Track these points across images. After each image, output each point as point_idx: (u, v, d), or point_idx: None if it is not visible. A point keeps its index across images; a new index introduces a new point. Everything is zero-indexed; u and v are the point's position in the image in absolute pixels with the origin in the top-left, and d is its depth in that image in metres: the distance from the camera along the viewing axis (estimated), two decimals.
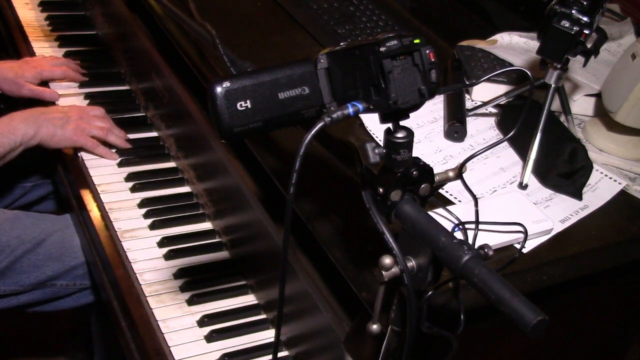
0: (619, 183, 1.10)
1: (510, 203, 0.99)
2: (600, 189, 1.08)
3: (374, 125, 1.13)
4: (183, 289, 1.20)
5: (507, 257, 0.91)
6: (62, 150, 1.46)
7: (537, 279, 0.92)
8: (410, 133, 0.66)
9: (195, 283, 1.21)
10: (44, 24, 1.84)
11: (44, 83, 1.61)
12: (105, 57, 1.75)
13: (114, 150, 1.47)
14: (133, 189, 1.39)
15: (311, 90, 0.67)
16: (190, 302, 1.18)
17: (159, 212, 1.34)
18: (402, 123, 0.66)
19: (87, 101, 1.60)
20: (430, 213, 0.66)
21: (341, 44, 0.67)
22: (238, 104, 0.64)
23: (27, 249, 1.35)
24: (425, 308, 0.71)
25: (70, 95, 1.60)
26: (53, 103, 1.56)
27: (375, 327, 0.74)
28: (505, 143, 1.15)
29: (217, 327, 1.13)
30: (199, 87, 1.32)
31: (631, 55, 1.11)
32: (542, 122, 1.06)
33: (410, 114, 0.65)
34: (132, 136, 1.52)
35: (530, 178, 1.06)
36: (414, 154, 0.67)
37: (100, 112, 1.49)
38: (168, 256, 1.25)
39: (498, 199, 1.00)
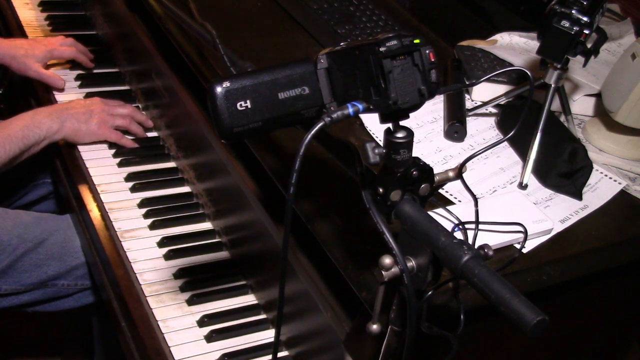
0: (619, 183, 1.10)
1: (510, 203, 0.99)
2: (600, 189, 1.08)
3: (374, 125, 1.13)
4: (183, 289, 1.20)
5: (507, 257, 0.91)
6: (62, 150, 1.46)
7: (537, 279, 0.92)
8: (410, 133, 0.66)
9: (195, 283, 1.21)
10: (44, 24, 1.84)
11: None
12: (105, 57, 1.75)
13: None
14: (133, 189, 1.39)
15: (311, 90, 0.67)
16: (190, 302, 1.18)
17: (159, 212, 1.34)
18: (402, 123, 0.66)
19: None
20: (430, 213, 0.66)
21: (341, 44, 0.67)
22: (238, 104, 0.64)
23: (29, 248, 1.35)
24: (425, 308, 0.71)
25: (71, 95, 1.60)
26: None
27: (375, 327, 0.74)
28: (505, 143, 1.15)
29: (217, 327, 1.13)
30: (199, 87, 1.32)
31: (631, 55, 1.11)
32: (542, 122, 1.06)
33: (410, 114, 0.65)
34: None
35: (530, 178, 1.06)
36: (414, 154, 0.67)
37: (121, 103, 1.52)
38: (168, 256, 1.25)
39: (498, 199, 1.00)
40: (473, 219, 0.87)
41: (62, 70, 1.66)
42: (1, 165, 1.32)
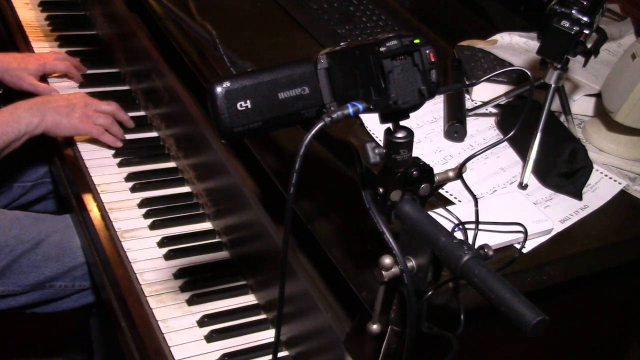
0: (619, 183, 1.10)
1: (510, 203, 0.99)
2: (600, 189, 1.08)
3: (374, 125, 1.13)
4: (183, 289, 1.20)
5: (507, 257, 0.91)
6: (62, 150, 1.46)
7: (537, 279, 0.92)
8: (410, 133, 0.66)
9: (195, 283, 1.21)
10: (44, 24, 1.84)
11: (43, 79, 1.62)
12: (105, 57, 1.75)
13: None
14: (133, 189, 1.39)
15: (311, 90, 0.67)
16: (190, 302, 1.18)
17: (159, 212, 1.34)
18: (402, 123, 0.66)
19: None
20: (430, 213, 0.66)
21: (341, 44, 0.67)
22: (238, 104, 0.64)
23: (26, 249, 1.35)
24: (425, 308, 0.71)
25: None
26: None
27: (375, 327, 0.74)
28: (505, 143, 1.15)
29: (217, 327, 1.13)
30: (199, 87, 1.32)
31: (631, 55, 1.11)
32: (542, 122, 1.06)
33: (410, 114, 0.65)
34: (132, 136, 1.52)
35: (530, 178, 1.06)
36: (414, 154, 0.67)
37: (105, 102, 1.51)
38: (168, 256, 1.25)
39: (498, 199, 1.00)
40: (473, 219, 0.87)
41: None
42: None
